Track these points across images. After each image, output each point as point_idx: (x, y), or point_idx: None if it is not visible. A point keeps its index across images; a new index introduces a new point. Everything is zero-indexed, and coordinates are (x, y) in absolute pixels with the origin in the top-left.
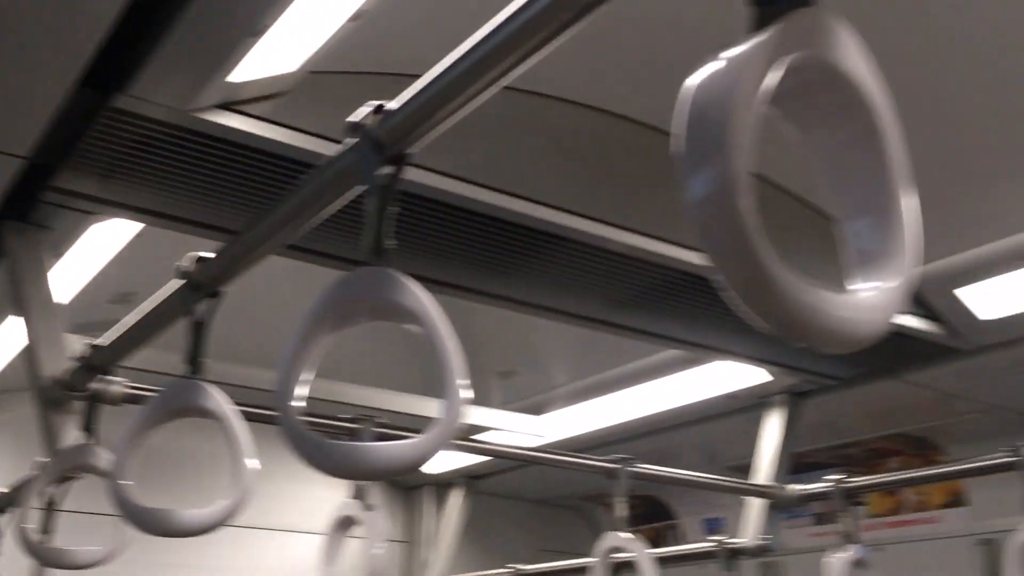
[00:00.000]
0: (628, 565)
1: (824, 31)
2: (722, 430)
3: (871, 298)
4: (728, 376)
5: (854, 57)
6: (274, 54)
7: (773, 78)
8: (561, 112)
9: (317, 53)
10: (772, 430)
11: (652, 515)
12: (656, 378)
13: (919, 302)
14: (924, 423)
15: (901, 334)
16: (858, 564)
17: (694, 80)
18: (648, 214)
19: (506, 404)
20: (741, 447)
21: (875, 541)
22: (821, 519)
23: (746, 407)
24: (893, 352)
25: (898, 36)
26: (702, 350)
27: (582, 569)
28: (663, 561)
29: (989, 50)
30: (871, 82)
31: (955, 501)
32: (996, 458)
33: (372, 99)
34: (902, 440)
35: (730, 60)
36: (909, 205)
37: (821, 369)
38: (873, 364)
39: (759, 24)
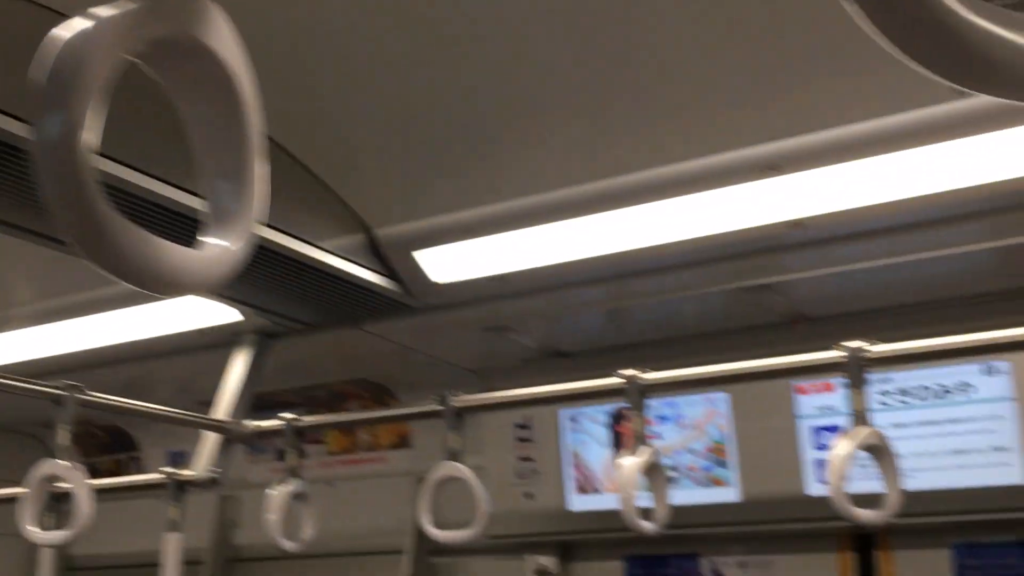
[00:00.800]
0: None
1: (196, 10)
2: (193, 365)
3: (213, 253)
4: (199, 312)
5: (222, 37)
6: None
7: (137, 44)
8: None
9: None
10: (238, 368)
11: (116, 446)
12: (125, 307)
13: (382, 261)
14: (382, 371)
15: (364, 288)
16: (298, 497)
17: (60, 30)
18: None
19: None
20: (212, 383)
21: (331, 477)
22: (282, 456)
23: (216, 344)
24: (356, 304)
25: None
26: None
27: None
28: (113, 492)
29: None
30: (235, 60)
31: (402, 443)
32: (427, 406)
33: None
34: (363, 385)
35: (98, 20)
36: (261, 176)
37: (290, 313)
38: (338, 314)
39: None
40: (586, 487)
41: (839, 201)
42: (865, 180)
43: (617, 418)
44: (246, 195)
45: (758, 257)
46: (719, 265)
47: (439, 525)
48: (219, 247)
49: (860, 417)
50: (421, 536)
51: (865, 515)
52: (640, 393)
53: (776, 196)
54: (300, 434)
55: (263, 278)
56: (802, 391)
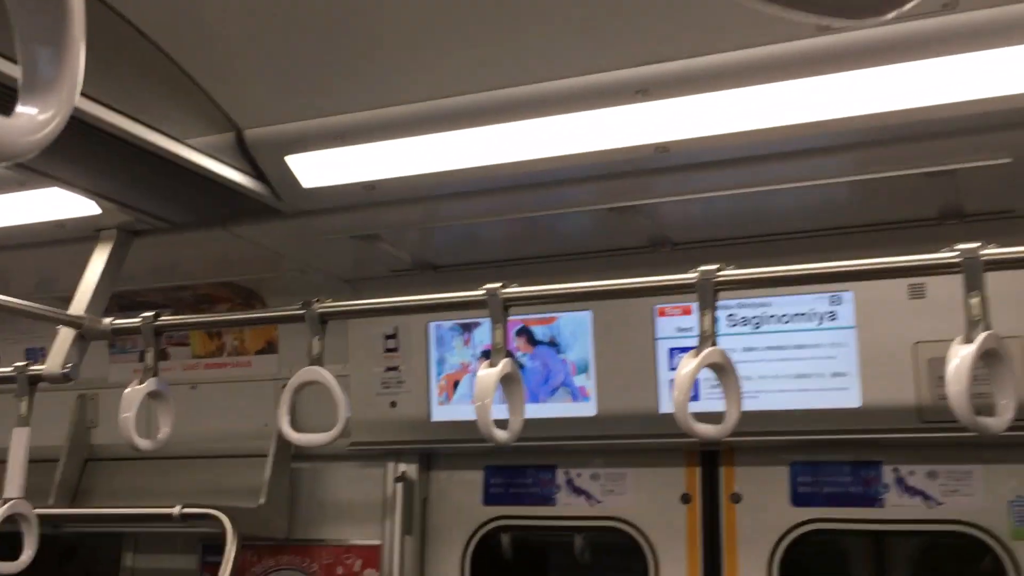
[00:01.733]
0: None
1: None
2: (53, 259)
3: (22, 122)
4: (58, 204)
5: None
6: None
7: None
8: None
9: None
10: (97, 264)
11: None
12: None
13: (251, 163)
14: (252, 275)
15: (232, 189)
16: (155, 396)
17: None
18: None
19: None
20: (73, 279)
21: (195, 380)
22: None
23: (77, 239)
24: (223, 205)
25: None
26: (30, 173)
27: None
28: None
29: None
30: None
31: (269, 348)
32: (289, 310)
33: None
34: (232, 289)
35: None
36: (81, 43)
37: (153, 210)
38: (204, 214)
39: None
40: (450, 398)
41: (704, 127)
42: (730, 109)
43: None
44: (64, 63)
45: (626, 179)
46: (588, 185)
47: (305, 432)
48: (28, 116)
49: (707, 338)
50: (283, 441)
51: (705, 429)
52: (502, 306)
53: (644, 120)
54: (160, 334)
55: (124, 172)
56: (663, 313)
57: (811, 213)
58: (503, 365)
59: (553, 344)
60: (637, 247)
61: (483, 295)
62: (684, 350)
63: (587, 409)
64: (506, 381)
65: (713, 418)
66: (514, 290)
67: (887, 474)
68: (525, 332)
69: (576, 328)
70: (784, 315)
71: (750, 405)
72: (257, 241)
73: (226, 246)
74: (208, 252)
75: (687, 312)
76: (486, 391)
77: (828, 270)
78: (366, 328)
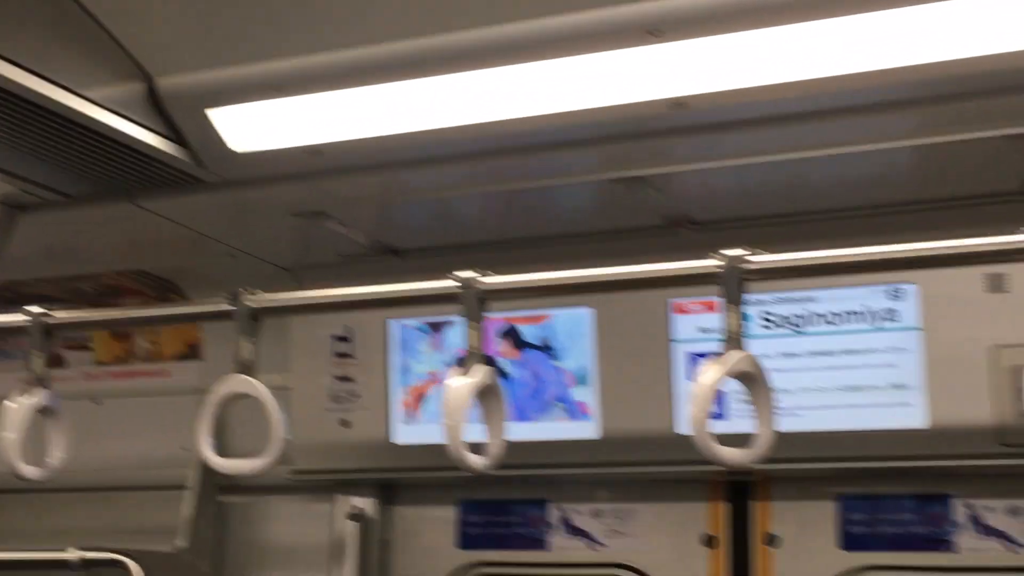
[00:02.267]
0: None
1: None
2: None
3: None
4: None
5: None
6: None
7: None
8: None
9: None
10: None
11: None
12: None
13: (166, 120)
14: (169, 262)
15: (138, 152)
16: (46, 412)
17: None
18: None
19: None
20: None
21: (98, 392)
22: None
23: None
24: (131, 173)
25: None
26: None
27: None
28: None
29: None
30: None
31: (191, 353)
32: (215, 305)
33: None
34: (144, 279)
35: None
36: None
37: (43, 179)
38: (107, 184)
39: None
40: (416, 415)
41: (731, 78)
42: (763, 55)
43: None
44: None
45: (634, 142)
46: (588, 149)
47: (237, 457)
48: None
49: (733, 340)
50: (209, 469)
51: (730, 454)
52: (479, 300)
53: (657, 68)
54: (52, 334)
55: (3, 130)
56: (680, 310)
57: (864, 186)
58: (480, 374)
59: (545, 348)
60: (648, 228)
61: (456, 287)
62: (706, 356)
63: (587, 430)
64: (484, 394)
65: (742, 441)
66: (495, 280)
67: (959, 510)
68: (511, 334)
69: (573, 329)
70: (831, 314)
71: (789, 425)
72: (174, 218)
73: (135, 224)
74: (113, 232)
75: (710, 308)
76: (458, 407)
77: (886, 256)
78: (311, 328)
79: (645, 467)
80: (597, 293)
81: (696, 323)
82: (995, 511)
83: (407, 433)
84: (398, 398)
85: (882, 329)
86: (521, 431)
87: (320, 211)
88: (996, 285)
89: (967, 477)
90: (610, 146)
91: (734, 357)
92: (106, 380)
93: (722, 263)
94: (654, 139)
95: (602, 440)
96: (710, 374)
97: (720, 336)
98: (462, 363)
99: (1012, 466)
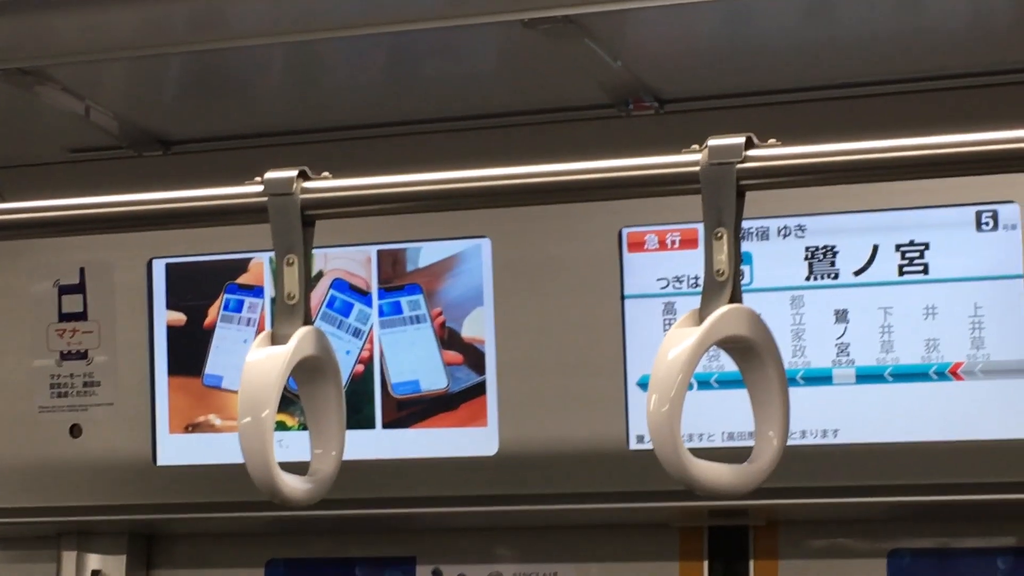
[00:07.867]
0: None
1: None
2: None
3: None
4: None
5: None
6: None
7: None
8: None
9: None
10: None
11: None
12: None
13: None
14: None
15: None
16: None
17: None
18: None
19: None
20: None
21: None
22: None
23: None
24: None
25: None
26: None
27: None
28: None
29: None
30: None
31: None
32: None
33: None
34: None
35: None
36: None
37: None
38: None
39: None
40: (196, 417)
41: None
42: None
43: None
44: None
45: None
46: None
47: None
48: None
49: (722, 285)
50: None
51: (715, 476)
52: (300, 219)
53: None
54: None
55: None
56: (637, 245)
57: (925, 43)
58: (300, 340)
59: (411, 305)
60: (587, 106)
61: (260, 195)
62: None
63: (480, 441)
64: (307, 375)
65: (735, 456)
66: (325, 183)
67: None
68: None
69: (461, 271)
70: (883, 247)
71: (813, 430)
72: None
73: None
74: None
75: (689, 242)
76: (264, 394)
77: (971, 148)
78: (21, 270)
79: (579, 504)
80: (498, 208)
81: (663, 265)
82: None
83: (180, 447)
84: (165, 390)
85: (960, 278)
86: (371, 442)
87: (37, 68)
88: None
89: None
90: None
91: (722, 314)
92: None
93: (698, 157)
94: None
95: (502, 458)
96: (684, 343)
97: (700, 282)
98: (273, 326)
99: None
